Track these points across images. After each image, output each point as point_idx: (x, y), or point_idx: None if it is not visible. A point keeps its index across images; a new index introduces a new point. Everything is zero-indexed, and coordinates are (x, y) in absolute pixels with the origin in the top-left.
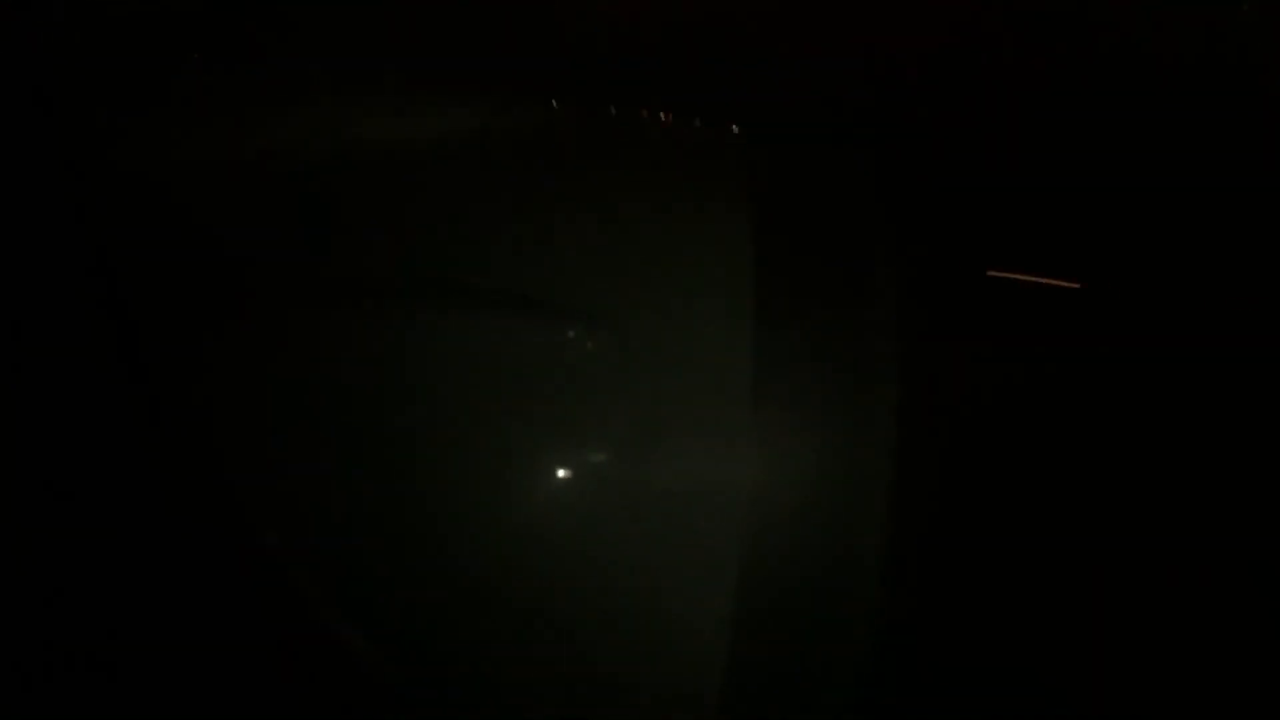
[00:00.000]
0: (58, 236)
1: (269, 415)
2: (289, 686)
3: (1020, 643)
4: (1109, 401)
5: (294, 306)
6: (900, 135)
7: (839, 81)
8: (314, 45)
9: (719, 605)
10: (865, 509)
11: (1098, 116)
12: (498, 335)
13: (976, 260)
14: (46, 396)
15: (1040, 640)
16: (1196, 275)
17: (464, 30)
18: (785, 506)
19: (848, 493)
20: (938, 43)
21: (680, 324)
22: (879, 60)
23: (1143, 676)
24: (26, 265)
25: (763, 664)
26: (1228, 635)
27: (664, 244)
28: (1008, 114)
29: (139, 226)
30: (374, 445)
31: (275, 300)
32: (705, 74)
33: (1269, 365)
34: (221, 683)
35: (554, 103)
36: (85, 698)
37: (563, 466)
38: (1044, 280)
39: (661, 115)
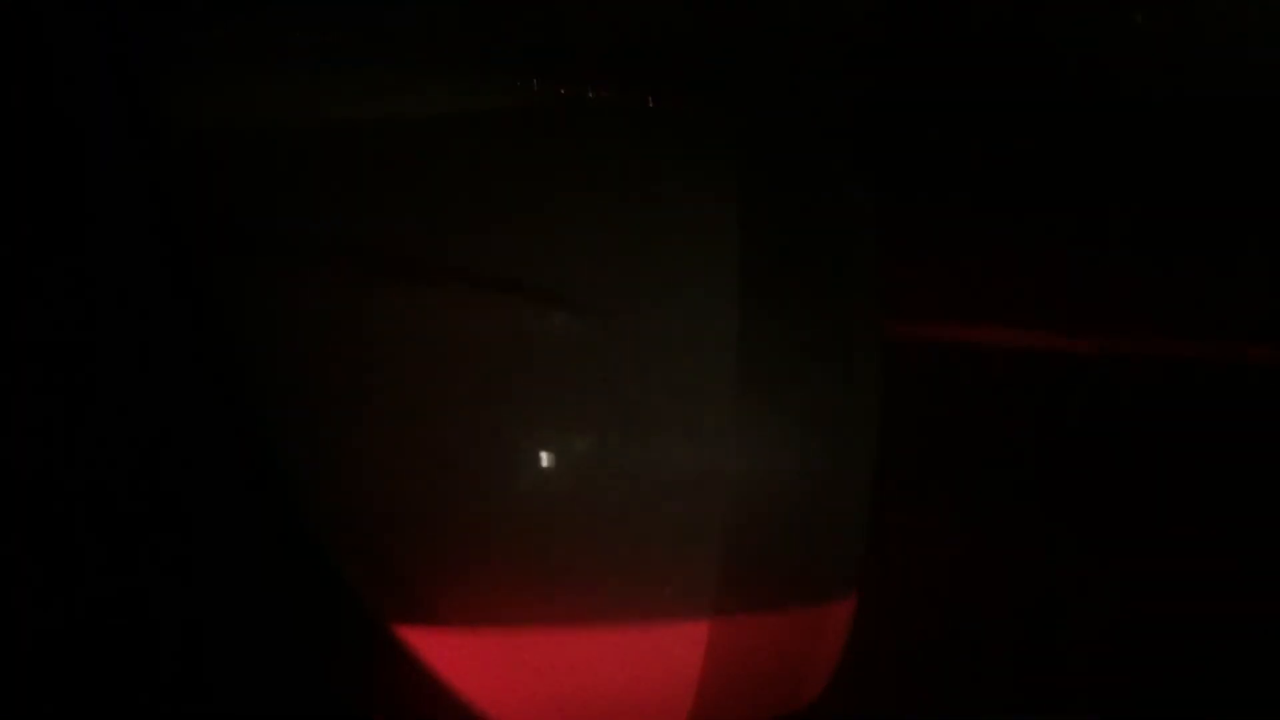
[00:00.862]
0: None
1: (261, 386)
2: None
3: (999, 637)
4: (1097, 394)
5: (275, 277)
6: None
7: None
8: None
9: (701, 594)
10: (849, 499)
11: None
12: (480, 319)
13: (962, 248)
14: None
15: (1016, 630)
16: None
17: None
18: (769, 496)
19: (831, 483)
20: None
21: (665, 311)
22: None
23: (1133, 676)
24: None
25: (743, 655)
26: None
27: (649, 230)
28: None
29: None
30: (353, 426)
31: (256, 270)
32: (692, 54)
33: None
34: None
35: (536, 83)
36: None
37: (545, 453)
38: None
39: (648, 98)
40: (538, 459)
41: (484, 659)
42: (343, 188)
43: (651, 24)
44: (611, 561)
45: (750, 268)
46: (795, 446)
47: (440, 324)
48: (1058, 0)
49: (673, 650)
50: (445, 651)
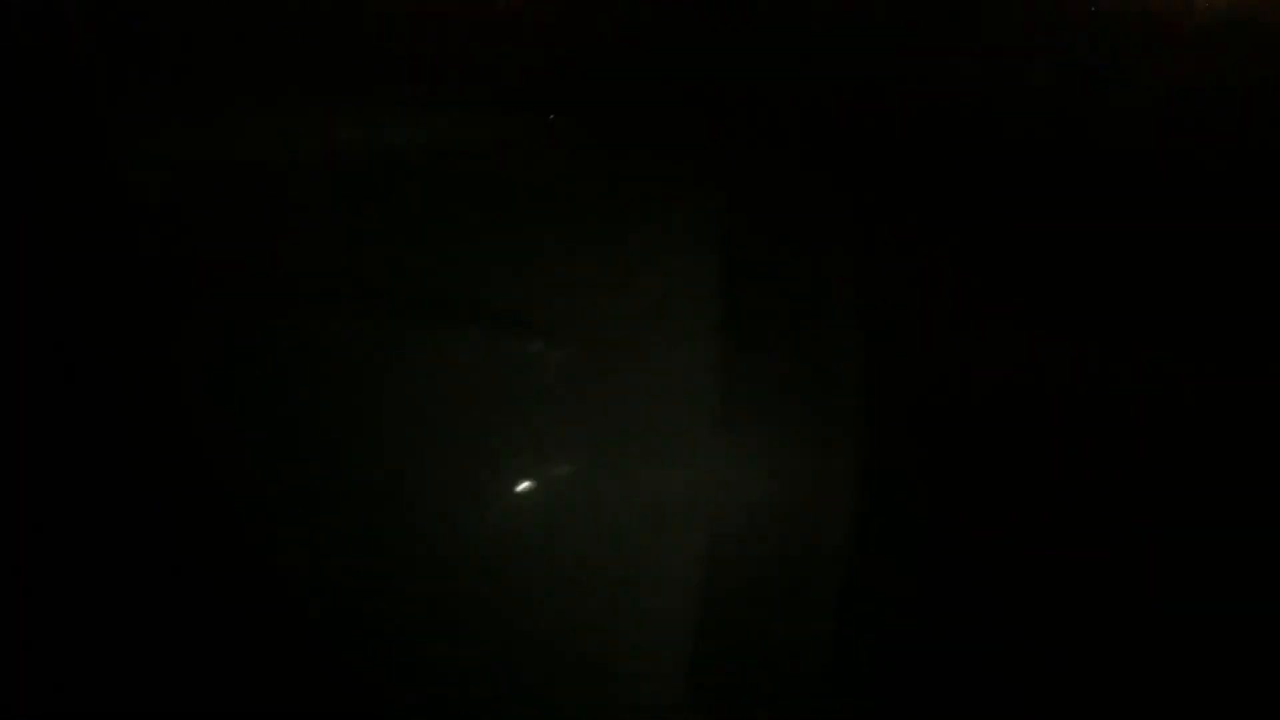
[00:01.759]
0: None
1: (241, 416)
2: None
3: (987, 653)
4: (1084, 398)
5: (256, 311)
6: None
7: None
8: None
9: (682, 618)
10: (830, 525)
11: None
12: (461, 348)
13: (943, 262)
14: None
15: (1009, 648)
16: None
17: (427, 41)
18: (750, 522)
19: (812, 509)
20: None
21: (645, 338)
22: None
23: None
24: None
25: (727, 674)
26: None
27: (629, 257)
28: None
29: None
30: (336, 455)
31: (239, 304)
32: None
33: None
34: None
35: (520, 114)
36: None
37: (527, 480)
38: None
39: (625, 123)
40: (515, 485)
41: None
42: (324, 219)
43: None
44: (584, 600)
45: (732, 294)
46: (776, 476)
47: (417, 353)
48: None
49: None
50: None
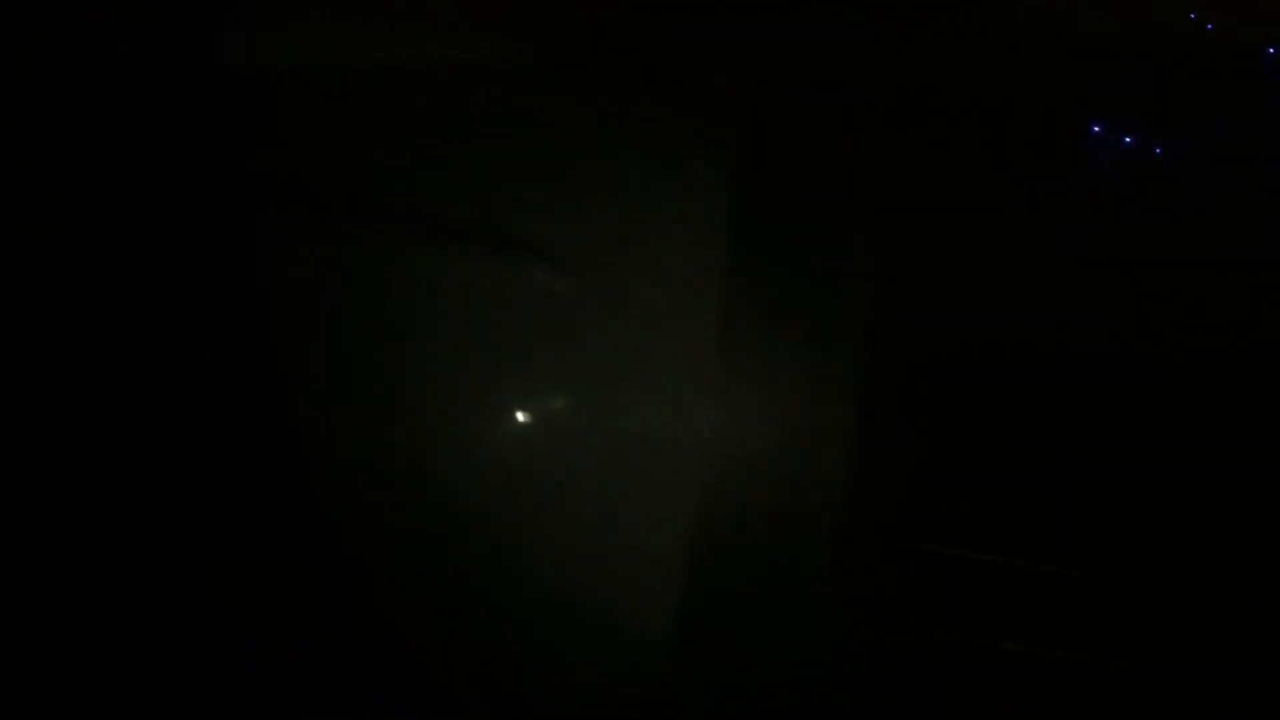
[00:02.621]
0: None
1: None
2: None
3: (972, 608)
4: (1071, 365)
5: (253, 220)
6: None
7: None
8: None
9: (674, 553)
10: (823, 464)
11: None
12: (467, 271)
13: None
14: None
15: (992, 601)
16: None
17: None
18: (744, 458)
19: (805, 447)
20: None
21: (651, 274)
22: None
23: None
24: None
25: (715, 611)
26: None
27: (641, 195)
28: None
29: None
30: (337, 372)
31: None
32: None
33: None
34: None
35: (539, 47)
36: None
37: (526, 408)
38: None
39: (651, 68)
40: (519, 414)
41: None
42: (336, 138)
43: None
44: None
45: (738, 236)
46: (772, 417)
47: (427, 274)
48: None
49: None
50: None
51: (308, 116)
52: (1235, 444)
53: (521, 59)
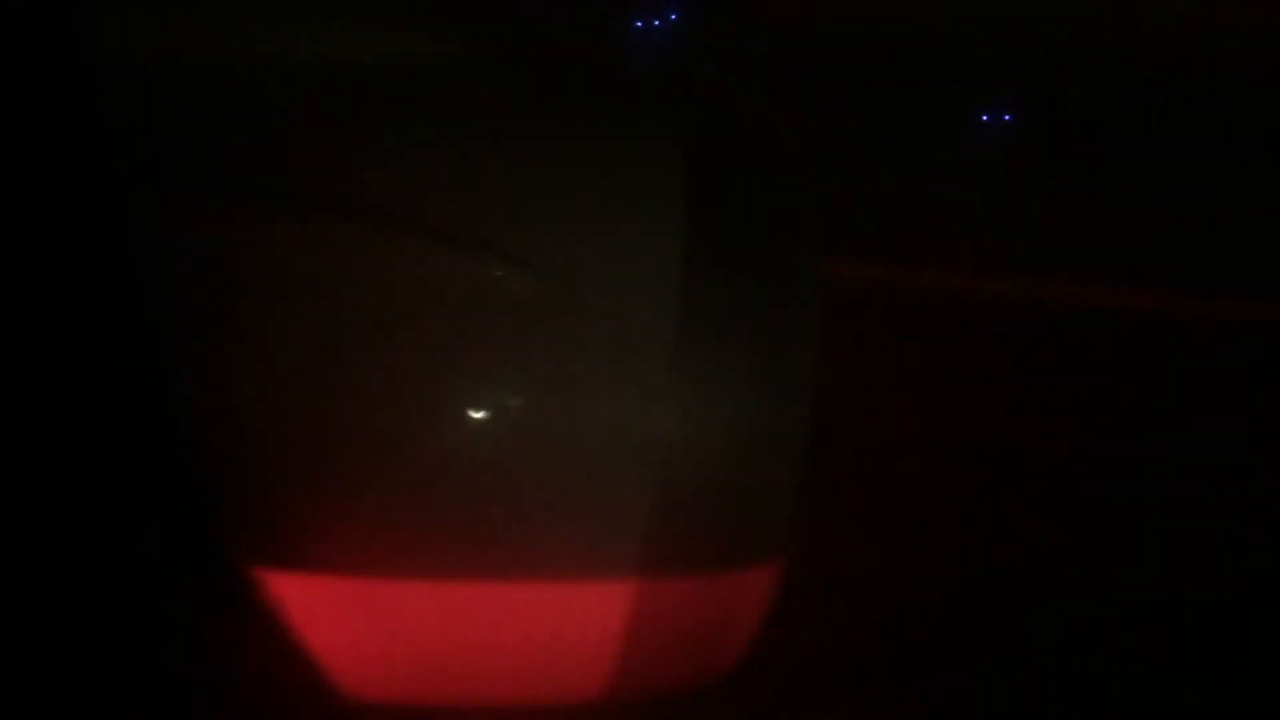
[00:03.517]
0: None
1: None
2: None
3: (931, 590)
4: (1039, 356)
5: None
6: None
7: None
8: None
9: (630, 556)
10: (779, 465)
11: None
12: (417, 266)
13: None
14: None
15: (955, 589)
16: None
17: None
18: (702, 461)
19: (765, 449)
20: None
21: (606, 269)
22: None
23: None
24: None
25: (664, 619)
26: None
27: (594, 187)
28: None
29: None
30: (287, 366)
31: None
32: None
33: None
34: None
35: (490, 36)
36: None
37: (477, 408)
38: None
39: (598, 52)
40: (462, 407)
41: (375, 610)
42: (273, 125)
43: None
44: (530, 515)
45: (695, 229)
46: (728, 408)
47: (366, 266)
48: None
49: (590, 611)
50: (330, 603)
51: (256, 112)
52: None
53: (472, 51)
